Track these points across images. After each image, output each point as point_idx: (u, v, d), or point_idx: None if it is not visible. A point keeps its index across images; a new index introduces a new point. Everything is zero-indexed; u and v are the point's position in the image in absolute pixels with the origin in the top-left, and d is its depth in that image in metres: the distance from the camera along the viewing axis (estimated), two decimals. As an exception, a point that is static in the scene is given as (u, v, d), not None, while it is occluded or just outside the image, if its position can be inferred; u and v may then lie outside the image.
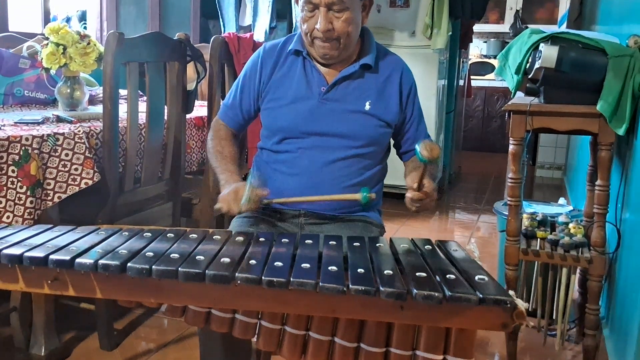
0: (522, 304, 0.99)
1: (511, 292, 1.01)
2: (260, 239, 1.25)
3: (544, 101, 1.98)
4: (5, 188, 1.74)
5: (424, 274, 1.05)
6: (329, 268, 1.07)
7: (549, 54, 1.86)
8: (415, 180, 1.39)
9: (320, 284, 1.00)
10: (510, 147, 1.99)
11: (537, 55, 1.93)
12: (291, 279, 1.02)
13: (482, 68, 7.04)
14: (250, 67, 1.69)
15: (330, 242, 1.24)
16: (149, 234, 1.26)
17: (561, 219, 2.12)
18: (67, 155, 1.88)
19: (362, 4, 1.56)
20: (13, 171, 1.74)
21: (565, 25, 4.75)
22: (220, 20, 4.54)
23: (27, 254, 1.12)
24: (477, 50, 7.31)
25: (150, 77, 2.13)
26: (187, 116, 2.43)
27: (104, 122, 1.97)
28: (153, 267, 1.06)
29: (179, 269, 1.05)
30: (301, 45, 1.62)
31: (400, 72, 1.65)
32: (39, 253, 1.12)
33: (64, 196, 1.88)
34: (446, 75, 4.71)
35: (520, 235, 2.06)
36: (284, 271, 1.05)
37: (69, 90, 2.27)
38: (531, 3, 6.90)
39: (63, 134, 1.87)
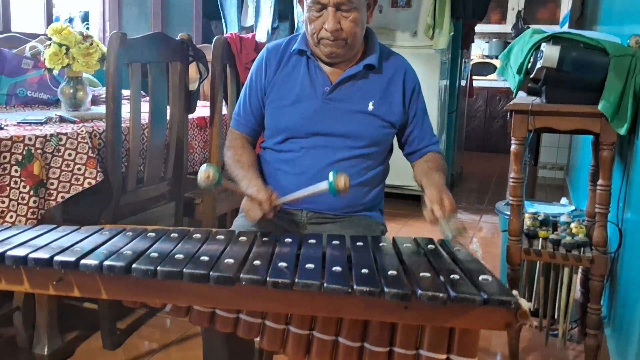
0: (525, 304, 1.00)
1: (515, 292, 1.01)
2: (264, 239, 1.25)
3: (545, 101, 1.98)
4: (8, 188, 1.74)
5: (428, 274, 1.05)
6: (333, 269, 1.07)
7: (550, 53, 1.86)
8: (436, 201, 1.37)
9: (325, 285, 1.01)
10: (512, 147, 2.00)
11: (538, 55, 1.93)
12: (296, 279, 1.02)
13: (484, 68, 7.04)
14: (256, 69, 1.68)
15: (334, 242, 1.25)
16: (153, 234, 1.26)
17: (563, 218, 2.12)
18: (70, 155, 1.88)
19: (367, 4, 1.57)
20: (16, 171, 1.75)
21: (567, 25, 4.75)
22: (223, 20, 4.55)
23: (31, 255, 1.12)
24: (479, 50, 7.31)
25: (153, 78, 2.14)
26: (190, 116, 2.43)
27: (107, 122, 1.98)
28: (158, 268, 1.06)
29: (184, 270, 1.05)
30: (305, 45, 1.62)
31: (404, 72, 1.65)
32: (43, 254, 1.12)
33: (67, 196, 1.88)
34: (448, 75, 4.71)
35: (522, 235, 2.07)
36: (288, 272, 1.05)
37: (71, 91, 2.27)
38: (533, 3, 6.90)
39: (66, 134, 1.88)
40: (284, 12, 4.48)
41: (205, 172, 1.32)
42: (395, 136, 1.70)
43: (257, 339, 1.15)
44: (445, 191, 1.40)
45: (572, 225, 2.05)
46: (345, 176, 1.30)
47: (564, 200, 2.68)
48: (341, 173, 1.31)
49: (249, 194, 1.44)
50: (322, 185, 1.34)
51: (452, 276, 1.04)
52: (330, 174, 1.31)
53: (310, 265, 1.08)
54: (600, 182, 1.93)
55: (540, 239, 2.06)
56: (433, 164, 1.63)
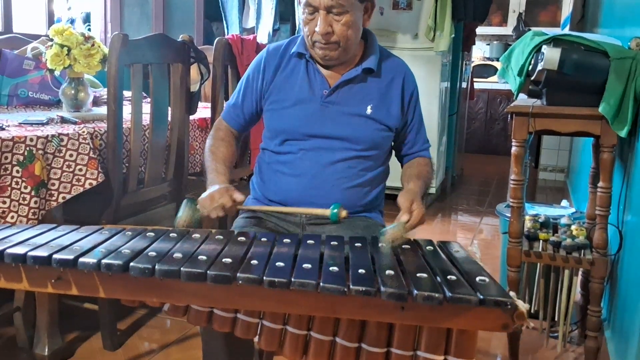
0: (522, 305, 1.00)
1: (512, 293, 1.01)
2: (262, 239, 1.26)
3: (546, 103, 1.98)
4: (9, 188, 1.75)
5: (425, 275, 1.05)
6: (330, 268, 1.07)
7: (551, 56, 1.87)
8: (406, 210, 1.38)
9: (322, 284, 1.01)
10: (513, 149, 2.00)
11: (539, 58, 1.93)
12: (292, 279, 1.02)
13: (485, 70, 7.03)
14: (254, 68, 1.69)
15: (332, 243, 1.25)
16: (152, 234, 1.27)
17: (563, 220, 2.12)
18: (71, 155, 1.89)
19: (364, 7, 1.56)
20: (17, 171, 1.76)
21: (568, 27, 4.75)
22: (224, 22, 4.56)
23: (30, 253, 1.12)
24: (480, 52, 7.31)
25: (154, 79, 2.14)
26: (191, 117, 2.44)
27: (108, 123, 1.98)
28: (156, 266, 1.06)
29: (182, 268, 1.06)
30: (304, 47, 1.62)
31: (403, 76, 1.65)
32: (42, 252, 1.13)
33: (68, 196, 1.89)
34: (449, 77, 4.71)
35: (523, 237, 2.07)
36: (286, 271, 1.06)
37: (73, 92, 2.28)
38: (534, 5, 6.90)
39: (67, 134, 1.89)
40: (285, 13, 4.49)
41: (185, 216, 1.44)
42: None
43: (256, 339, 1.16)
44: (417, 200, 1.42)
45: (573, 227, 2.05)
46: (345, 211, 1.42)
47: (564, 203, 2.68)
48: (342, 208, 1.43)
49: (210, 192, 1.45)
50: (320, 210, 1.45)
51: (449, 277, 1.05)
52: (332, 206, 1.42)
53: (307, 265, 1.08)
54: (600, 184, 1.93)
55: (541, 241, 2.06)
56: (416, 169, 1.64)
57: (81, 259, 1.10)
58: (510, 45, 2.19)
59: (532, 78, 2.01)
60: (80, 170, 1.90)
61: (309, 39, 1.55)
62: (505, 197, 2.11)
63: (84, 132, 1.93)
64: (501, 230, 2.60)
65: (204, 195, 1.46)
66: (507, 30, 6.96)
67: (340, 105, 1.60)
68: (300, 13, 1.58)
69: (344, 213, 1.41)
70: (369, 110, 1.60)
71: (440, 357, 1.05)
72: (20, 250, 1.14)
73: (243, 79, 1.72)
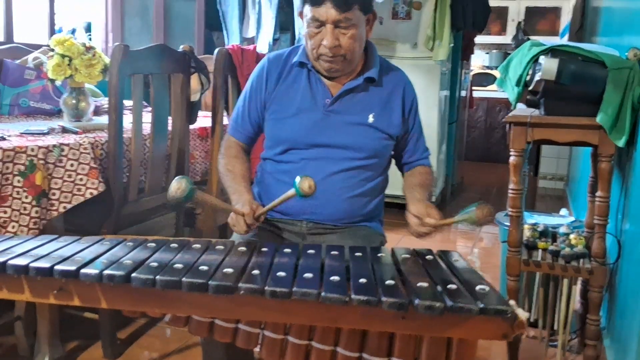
0: (522, 314, 1.01)
1: (512, 302, 1.02)
2: (263, 249, 1.26)
3: (544, 113, 1.99)
4: (10, 198, 1.75)
5: (425, 284, 1.06)
6: (332, 278, 1.08)
7: (549, 66, 1.88)
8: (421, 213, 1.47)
9: (323, 294, 1.02)
10: (511, 159, 2.01)
11: (537, 68, 1.94)
12: (294, 289, 1.03)
13: (484, 79, 7.07)
14: (256, 78, 1.70)
15: (332, 252, 1.26)
16: (153, 244, 1.27)
17: (562, 229, 2.13)
18: (72, 165, 1.89)
19: (366, 19, 1.58)
20: (19, 181, 1.76)
21: (567, 36, 4.77)
22: (224, 32, 4.58)
23: (32, 264, 1.13)
24: (479, 61, 7.34)
25: (155, 89, 2.15)
26: (191, 127, 2.45)
27: (109, 132, 1.99)
28: (157, 277, 1.07)
29: (183, 279, 1.06)
30: (306, 57, 1.63)
31: (403, 86, 1.67)
32: (44, 263, 1.13)
33: (69, 206, 1.89)
34: (448, 86, 4.73)
35: (522, 246, 2.07)
36: (287, 281, 1.06)
37: (74, 101, 2.29)
38: (533, 14, 6.94)
39: (68, 144, 1.89)
40: (285, 23, 4.51)
41: (177, 183, 1.35)
42: None
43: (257, 349, 1.16)
44: (429, 205, 1.50)
45: (571, 236, 2.06)
46: (310, 179, 1.38)
47: (563, 211, 2.69)
48: (305, 177, 1.38)
49: (234, 210, 1.48)
50: (290, 191, 1.41)
51: (449, 286, 1.05)
52: (297, 178, 1.39)
53: (308, 275, 1.09)
54: (598, 193, 1.94)
55: (540, 250, 2.07)
56: (418, 178, 1.68)
57: (83, 270, 1.10)
58: (510, 54, 2.20)
59: (530, 88, 2.02)
60: (81, 179, 1.91)
61: (314, 52, 1.56)
62: (505, 205, 2.11)
63: (84, 141, 1.94)
64: (500, 239, 2.61)
65: (230, 215, 1.51)
66: (506, 39, 7.00)
67: (343, 114, 1.61)
68: (303, 26, 1.59)
69: (305, 184, 1.37)
70: (370, 119, 1.61)
71: (440, 366, 1.06)
72: (22, 261, 1.14)
73: (246, 90, 1.72)
